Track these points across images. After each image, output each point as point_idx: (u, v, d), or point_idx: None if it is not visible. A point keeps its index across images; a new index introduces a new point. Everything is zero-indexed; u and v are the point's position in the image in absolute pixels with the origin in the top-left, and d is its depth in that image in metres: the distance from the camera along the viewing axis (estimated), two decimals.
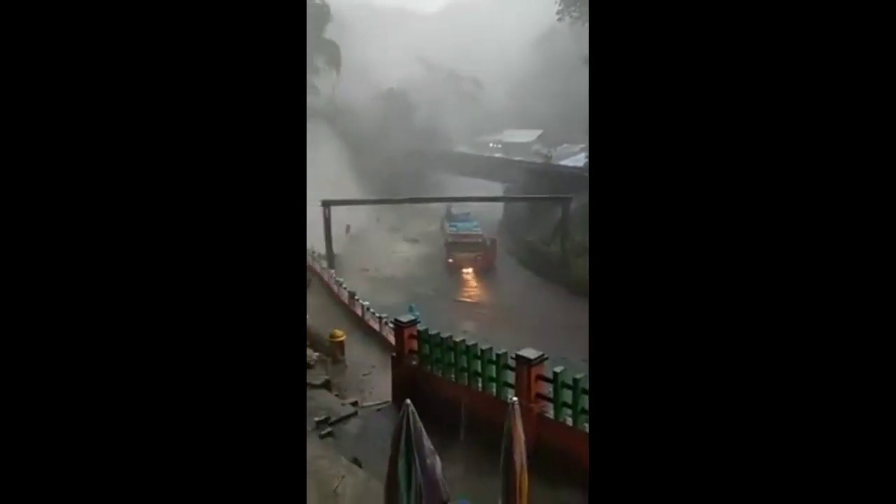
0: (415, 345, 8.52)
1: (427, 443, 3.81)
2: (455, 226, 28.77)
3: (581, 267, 22.23)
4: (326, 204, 23.46)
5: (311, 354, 11.21)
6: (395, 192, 33.00)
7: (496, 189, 37.00)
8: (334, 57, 40.86)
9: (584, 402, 6.40)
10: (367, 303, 14.93)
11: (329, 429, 7.92)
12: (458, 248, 26.39)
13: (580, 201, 25.51)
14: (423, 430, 3.78)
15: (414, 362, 8.49)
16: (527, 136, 53.67)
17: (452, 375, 7.91)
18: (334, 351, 12.11)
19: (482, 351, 7.54)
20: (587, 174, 29.66)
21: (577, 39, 39.37)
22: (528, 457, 4.27)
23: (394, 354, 9.01)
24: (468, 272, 25.79)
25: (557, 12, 36.79)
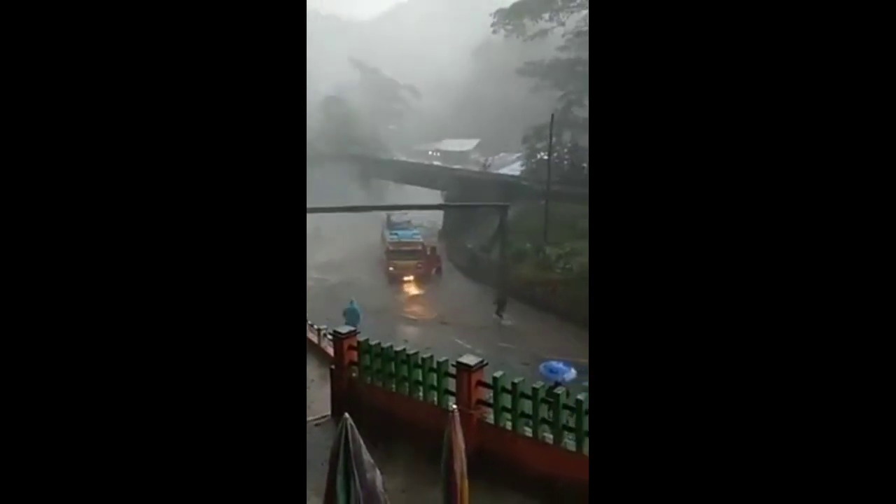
0: (354, 356, 8.38)
1: (367, 456, 3.75)
2: (395, 234, 28.65)
3: (519, 272, 22.76)
4: None
5: None
6: (334, 201, 32.46)
7: (436, 197, 37.25)
8: None
9: (524, 405, 6.53)
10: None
11: None
12: (398, 256, 26.29)
13: (517, 209, 26.16)
14: (362, 443, 3.73)
15: (353, 374, 8.35)
16: (464, 145, 54.45)
17: (393, 386, 7.85)
18: None
19: (423, 360, 7.53)
20: (524, 182, 30.68)
21: (511, 51, 40.49)
22: (469, 463, 4.30)
23: (333, 367, 8.82)
24: (409, 280, 25.73)
25: (492, 24, 37.65)
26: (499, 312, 20.25)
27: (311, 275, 25.22)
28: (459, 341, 16.75)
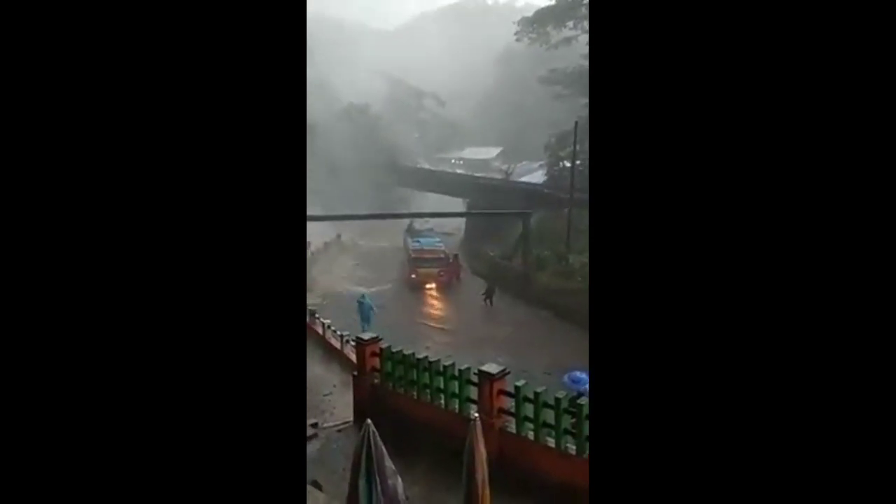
0: (377, 363, 8.43)
1: (388, 463, 3.77)
2: (418, 241, 28.72)
3: (541, 280, 22.58)
4: None
5: None
6: (357, 208, 32.77)
7: (458, 205, 37.27)
8: None
9: (546, 415, 6.47)
10: (328, 321, 14.68)
11: None
12: (420, 263, 26.34)
13: (539, 217, 25.99)
14: (384, 450, 3.75)
15: (375, 380, 8.39)
16: (487, 153, 54.47)
17: (415, 393, 7.86)
18: None
19: (445, 367, 7.53)
20: (546, 190, 30.48)
21: (534, 59, 40.42)
22: (490, 471, 4.28)
23: (355, 373, 8.88)
24: (431, 287, 25.75)
25: (516, 33, 37.67)
26: (487, 299, 22.37)
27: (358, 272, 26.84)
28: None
